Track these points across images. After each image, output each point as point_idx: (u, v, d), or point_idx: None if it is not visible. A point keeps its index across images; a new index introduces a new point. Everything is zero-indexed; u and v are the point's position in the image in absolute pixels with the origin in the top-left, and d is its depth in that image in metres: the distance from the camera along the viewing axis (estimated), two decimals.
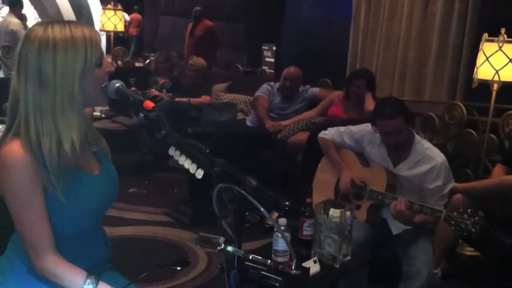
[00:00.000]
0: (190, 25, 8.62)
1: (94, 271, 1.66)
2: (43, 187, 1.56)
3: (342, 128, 3.31)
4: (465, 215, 2.64)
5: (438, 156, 2.98)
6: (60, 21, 1.58)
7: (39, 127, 1.54)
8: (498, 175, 3.49)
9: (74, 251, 1.67)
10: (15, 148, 1.53)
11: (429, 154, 2.98)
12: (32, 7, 10.70)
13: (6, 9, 11.28)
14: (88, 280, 1.60)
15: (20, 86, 1.55)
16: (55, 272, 1.60)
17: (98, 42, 1.58)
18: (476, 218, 2.62)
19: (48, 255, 1.60)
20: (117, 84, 1.62)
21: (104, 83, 1.61)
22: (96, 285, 1.61)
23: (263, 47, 9.28)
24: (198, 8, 8.55)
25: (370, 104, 4.47)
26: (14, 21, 7.51)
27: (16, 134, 1.56)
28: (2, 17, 10.84)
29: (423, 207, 2.80)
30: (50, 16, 9.83)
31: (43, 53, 1.52)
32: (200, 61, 6.42)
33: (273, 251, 2.40)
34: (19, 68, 1.55)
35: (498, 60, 3.97)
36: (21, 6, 7.90)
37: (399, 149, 3.02)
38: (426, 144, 3.06)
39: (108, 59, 1.68)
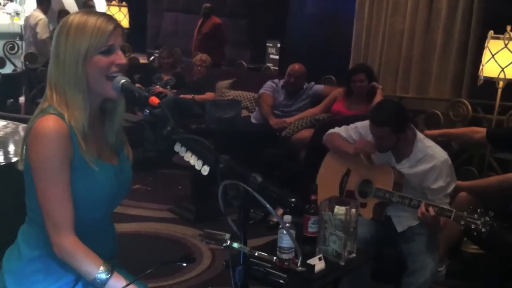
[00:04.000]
0: (200, 21, 8.61)
1: None
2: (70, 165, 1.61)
3: (347, 126, 3.31)
4: (475, 215, 2.62)
5: (440, 155, 2.97)
6: (90, 11, 1.70)
7: (58, 100, 1.64)
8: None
9: (82, 240, 1.66)
10: (52, 119, 1.60)
11: (431, 153, 2.97)
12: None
13: (10, 4, 11.29)
14: (103, 268, 1.61)
15: (49, 63, 1.69)
16: (74, 252, 1.61)
17: (106, 32, 1.61)
18: (486, 218, 2.60)
19: (69, 234, 1.61)
20: (122, 80, 1.63)
21: (110, 73, 1.63)
22: (111, 275, 1.61)
23: (267, 44, 9.25)
24: (207, 4, 8.51)
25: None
26: (40, 16, 7.55)
27: (46, 107, 1.64)
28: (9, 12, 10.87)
29: (431, 206, 2.79)
30: (55, 12, 9.83)
31: (60, 35, 1.65)
32: (207, 57, 6.41)
33: (278, 248, 2.40)
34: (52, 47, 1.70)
35: (504, 57, 3.96)
36: (48, 2, 7.95)
37: (384, 151, 3.03)
38: (428, 142, 3.04)
39: None
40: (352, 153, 3.15)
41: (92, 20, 1.62)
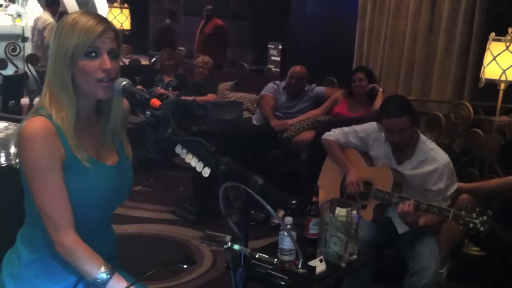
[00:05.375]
0: (202, 23, 8.62)
1: None
2: (61, 164, 1.61)
3: (346, 128, 3.30)
4: (474, 214, 2.63)
5: (442, 158, 2.96)
6: (87, 11, 1.69)
7: (49, 99, 1.64)
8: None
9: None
10: (38, 121, 1.60)
11: (433, 155, 2.97)
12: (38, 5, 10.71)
13: (12, 6, 11.30)
14: (104, 268, 1.61)
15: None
16: (76, 251, 1.61)
17: (93, 33, 1.59)
18: (484, 217, 2.61)
19: (70, 232, 1.61)
20: (124, 82, 1.62)
21: (97, 78, 1.61)
22: (112, 275, 1.61)
23: (268, 46, 9.26)
24: (209, 6, 8.53)
25: (379, 103, 4.47)
26: (49, 19, 7.55)
27: (38, 108, 1.65)
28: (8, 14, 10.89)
29: (430, 206, 2.79)
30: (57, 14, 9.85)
31: (56, 34, 1.65)
32: (209, 59, 6.42)
33: (279, 250, 2.40)
34: None
35: (505, 59, 3.96)
36: (57, 5, 7.95)
37: (402, 148, 3.01)
38: (431, 144, 3.05)
39: None
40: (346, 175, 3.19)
41: (83, 20, 1.61)
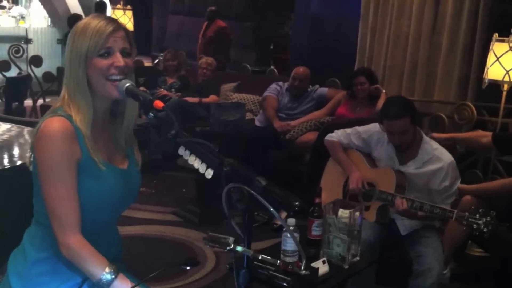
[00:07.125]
0: (204, 24, 8.62)
1: None
2: (76, 166, 1.63)
3: (349, 130, 3.30)
4: (477, 215, 2.63)
5: (446, 157, 2.97)
6: (99, 15, 1.73)
7: (67, 101, 1.67)
8: None
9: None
10: (57, 120, 1.62)
11: (437, 155, 2.98)
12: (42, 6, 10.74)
13: (16, 8, 11.34)
14: (108, 268, 1.61)
15: None
16: (81, 252, 1.62)
17: (104, 34, 1.63)
18: (488, 218, 2.61)
19: (76, 234, 1.62)
20: (127, 84, 1.63)
21: (110, 75, 1.64)
22: (116, 276, 1.61)
23: (271, 47, 9.26)
24: (212, 8, 8.52)
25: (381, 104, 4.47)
26: None
27: (57, 109, 1.67)
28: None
29: (433, 207, 2.79)
30: (60, 15, 9.86)
31: (70, 38, 1.69)
32: (213, 60, 6.42)
33: (281, 251, 2.40)
34: None
35: (509, 60, 3.95)
36: (105, 10, 8.05)
37: (405, 149, 3.02)
38: (435, 144, 3.05)
39: None
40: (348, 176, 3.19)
41: (94, 22, 1.65)
